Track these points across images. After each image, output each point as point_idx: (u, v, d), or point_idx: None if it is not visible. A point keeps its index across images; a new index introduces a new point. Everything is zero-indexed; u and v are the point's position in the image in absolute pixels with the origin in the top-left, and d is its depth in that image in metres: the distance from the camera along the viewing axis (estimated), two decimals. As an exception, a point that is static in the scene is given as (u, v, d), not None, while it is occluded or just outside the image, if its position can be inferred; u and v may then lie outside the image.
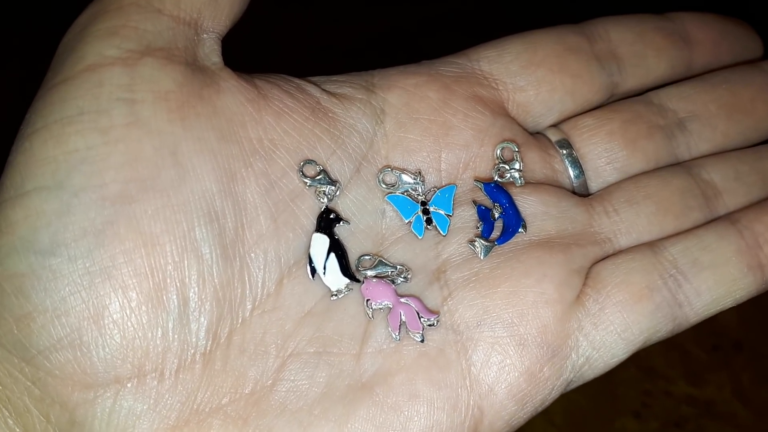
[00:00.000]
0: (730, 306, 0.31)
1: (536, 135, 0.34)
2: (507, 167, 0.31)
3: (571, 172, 0.33)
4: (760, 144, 0.35)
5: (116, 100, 0.27)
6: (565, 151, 0.33)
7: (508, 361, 0.29)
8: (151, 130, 0.27)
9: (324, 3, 0.79)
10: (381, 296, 0.29)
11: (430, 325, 0.29)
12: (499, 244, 0.30)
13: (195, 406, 0.27)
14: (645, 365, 0.61)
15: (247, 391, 0.27)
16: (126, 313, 0.26)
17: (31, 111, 0.27)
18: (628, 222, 0.32)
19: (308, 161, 0.29)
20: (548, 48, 0.34)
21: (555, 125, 0.35)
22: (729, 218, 0.32)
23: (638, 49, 0.35)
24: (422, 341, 0.29)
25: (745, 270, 0.31)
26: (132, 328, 0.26)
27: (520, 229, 0.30)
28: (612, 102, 0.35)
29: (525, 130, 0.34)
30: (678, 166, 0.34)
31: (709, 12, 0.37)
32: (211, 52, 0.29)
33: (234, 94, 0.29)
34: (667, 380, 0.61)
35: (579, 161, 0.33)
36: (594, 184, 0.34)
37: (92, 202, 0.26)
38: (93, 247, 0.25)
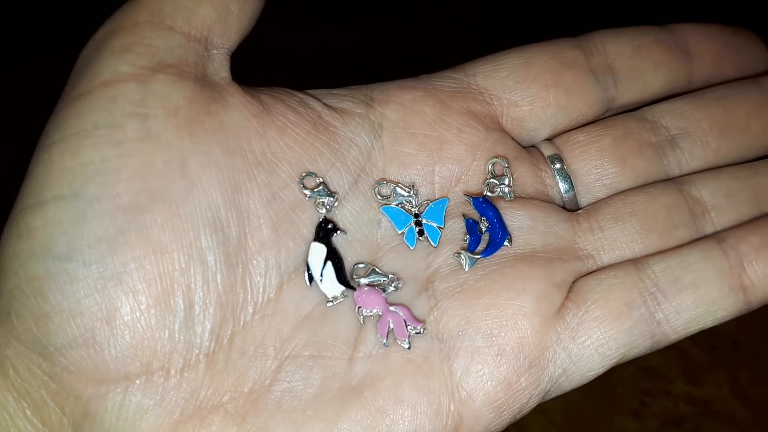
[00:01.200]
0: (711, 325, 0.31)
1: (530, 149, 0.35)
2: (497, 182, 0.32)
3: (561, 187, 0.34)
4: (759, 159, 0.35)
5: (129, 115, 0.28)
6: (556, 166, 0.34)
7: (486, 371, 0.30)
8: (161, 145, 0.28)
9: (323, 3, 0.79)
10: (372, 304, 0.30)
11: (416, 333, 0.30)
12: (483, 256, 0.31)
13: (198, 403, 0.28)
14: (643, 365, 0.61)
15: (246, 390, 0.29)
16: (136, 315, 0.27)
17: (50, 123, 0.29)
18: (612, 239, 0.32)
19: (308, 174, 0.30)
20: (543, 63, 0.34)
21: (549, 139, 0.35)
22: (715, 237, 0.32)
23: (636, 63, 0.35)
24: (409, 348, 0.30)
25: (727, 291, 0.31)
26: (141, 329, 0.27)
27: (505, 243, 0.31)
28: (606, 117, 0.35)
29: (518, 144, 0.34)
30: (669, 181, 0.34)
31: (712, 23, 0.37)
32: (220, 67, 0.30)
33: (240, 109, 0.30)
34: (665, 379, 0.61)
35: (569, 176, 0.34)
36: (584, 200, 0.34)
37: (106, 212, 0.27)
38: (106, 254, 0.27)
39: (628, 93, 0.35)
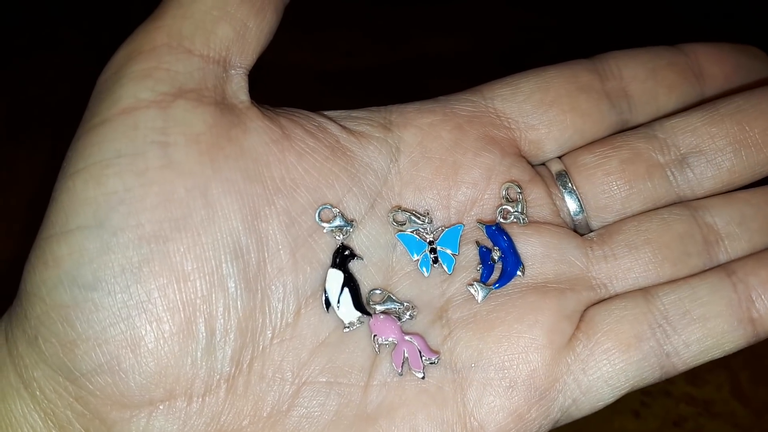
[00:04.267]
0: (719, 356, 0.31)
1: (539, 167, 0.35)
2: (510, 208, 0.32)
3: (570, 210, 0.34)
4: None
5: (151, 143, 0.28)
6: (564, 190, 0.34)
7: (497, 402, 0.30)
8: (183, 172, 0.28)
9: (321, 3, 0.78)
10: (387, 333, 0.31)
11: (431, 363, 0.31)
12: (495, 288, 0.31)
13: (218, 427, 0.29)
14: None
15: (265, 415, 0.30)
16: (160, 343, 0.28)
17: (72, 150, 0.29)
18: (626, 268, 0.33)
19: (324, 206, 0.31)
20: (560, 87, 0.34)
21: (559, 157, 0.35)
22: (725, 269, 0.32)
23: (650, 87, 0.35)
24: (423, 378, 0.30)
25: (735, 324, 0.31)
26: (165, 357, 0.28)
27: (518, 272, 0.32)
28: (616, 134, 0.35)
29: (533, 166, 0.34)
30: (682, 206, 0.34)
31: (724, 42, 0.37)
32: (238, 89, 0.31)
33: (260, 135, 0.30)
34: (666, 380, 0.61)
35: (579, 199, 0.34)
36: (594, 222, 0.34)
37: (130, 242, 0.27)
38: (131, 283, 0.27)
39: (642, 116, 0.35)
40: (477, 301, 0.31)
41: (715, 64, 0.36)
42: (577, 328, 0.32)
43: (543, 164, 0.35)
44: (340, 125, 0.32)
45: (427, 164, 0.33)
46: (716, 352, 0.31)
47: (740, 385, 0.60)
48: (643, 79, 0.35)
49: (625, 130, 0.36)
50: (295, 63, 0.73)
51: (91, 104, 0.29)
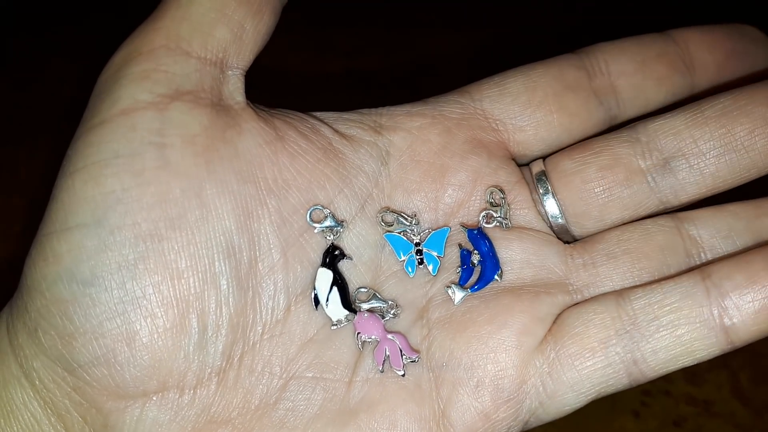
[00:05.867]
0: (691, 364, 0.30)
1: (523, 168, 0.35)
2: (493, 213, 0.33)
3: (549, 213, 0.34)
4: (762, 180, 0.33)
5: (148, 144, 0.29)
6: (544, 194, 0.34)
7: (465, 401, 0.31)
8: (178, 173, 0.29)
9: (321, 3, 0.79)
10: (370, 330, 0.31)
11: (411, 362, 0.31)
12: (472, 291, 0.32)
13: (209, 418, 0.30)
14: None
15: (253, 407, 0.31)
16: (154, 338, 0.29)
17: (72, 149, 0.30)
18: (603, 276, 0.33)
19: (315, 207, 0.31)
20: (547, 87, 0.34)
21: (543, 158, 0.35)
22: (701, 272, 0.31)
23: (638, 81, 0.35)
24: (403, 375, 0.31)
25: (706, 332, 0.30)
26: (159, 351, 0.29)
27: (495, 277, 0.32)
28: (598, 136, 0.35)
29: (520, 168, 0.35)
30: (668, 217, 0.33)
31: (716, 24, 0.35)
32: (234, 90, 0.31)
33: (254, 136, 0.31)
34: (665, 379, 0.60)
35: (558, 204, 0.34)
36: (574, 228, 0.34)
37: (126, 240, 0.28)
38: (126, 280, 0.28)
39: (630, 110, 0.35)
40: (453, 303, 0.32)
41: (706, 51, 0.35)
42: (549, 330, 0.32)
43: (527, 165, 0.35)
44: (332, 128, 0.33)
45: (416, 168, 0.33)
46: (686, 360, 0.30)
47: (740, 384, 0.60)
48: (631, 73, 0.35)
49: (614, 126, 0.35)
50: (295, 63, 0.74)
51: (91, 104, 0.30)
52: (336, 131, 0.33)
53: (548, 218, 0.34)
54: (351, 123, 0.34)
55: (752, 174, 0.33)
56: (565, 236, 0.34)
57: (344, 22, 0.82)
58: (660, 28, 0.36)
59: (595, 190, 0.33)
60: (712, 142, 0.33)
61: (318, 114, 0.34)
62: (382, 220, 0.33)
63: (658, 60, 0.35)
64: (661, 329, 0.30)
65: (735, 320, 0.30)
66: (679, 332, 0.30)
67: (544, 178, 0.34)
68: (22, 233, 0.62)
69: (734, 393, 0.60)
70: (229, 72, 0.31)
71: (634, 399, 0.59)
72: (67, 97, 0.75)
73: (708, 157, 0.33)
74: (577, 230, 0.34)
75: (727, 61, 0.35)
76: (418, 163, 0.33)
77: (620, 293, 0.32)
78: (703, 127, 0.33)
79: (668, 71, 0.35)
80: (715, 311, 0.30)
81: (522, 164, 0.36)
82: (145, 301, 0.29)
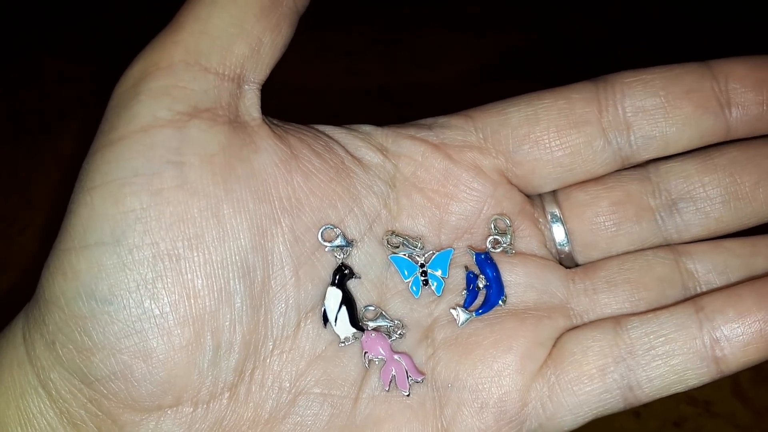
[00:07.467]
0: (682, 391, 0.32)
1: (535, 197, 0.36)
2: (499, 239, 0.34)
3: (556, 240, 0.35)
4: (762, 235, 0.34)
5: (166, 163, 0.29)
6: (554, 224, 0.35)
7: (469, 422, 0.32)
8: (197, 193, 0.29)
9: (321, 4, 0.79)
10: (377, 350, 0.32)
11: (416, 382, 0.32)
12: (476, 315, 0.33)
13: (221, 430, 0.31)
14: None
15: (263, 421, 0.32)
16: (170, 355, 0.29)
17: (89, 163, 0.30)
18: (603, 303, 0.34)
19: (327, 226, 0.32)
20: (550, 121, 0.33)
21: (554, 190, 0.35)
22: (695, 303, 0.32)
23: (658, 120, 0.33)
24: (408, 395, 0.32)
25: (698, 362, 0.31)
26: (174, 367, 0.30)
27: (499, 302, 0.33)
28: (612, 174, 0.35)
29: (524, 195, 0.35)
30: (668, 249, 0.34)
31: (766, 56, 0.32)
32: (251, 105, 0.31)
33: (270, 155, 0.31)
34: None
35: (566, 232, 0.35)
36: (580, 257, 0.35)
37: (145, 259, 0.29)
38: (144, 299, 0.29)
39: (645, 153, 0.34)
40: (458, 325, 0.33)
41: (750, 88, 0.32)
42: (550, 354, 0.33)
43: (539, 196, 0.36)
44: (345, 147, 0.33)
45: (421, 194, 0.34)
46: (679, 387, 0.32)
47: (740, 385, 0.61)
48: (650, 111, 0.33)
49: (630, 167, 0.35)
50: (294, 63, 0.74)
51: (109, 117, 0.30)
52: (348, 151, 0.33)
53: (555, 245, 0.35)
54: (359, 143, 0.34)
55: (752, 222, 0.34)
56: (567, 263, 0.35)
57: (344, 22, 0.82)
58: (702, 50, 0.34)
59: (606, 224, 0.35)
60: (719, 189, 0.34)
61: (328, 130, 0.34)
62: (388, 242, 0.33)
63: (685, 97, 0.32)
64: (656, 359, 0.32)
65: (726, 352, 0.31)
66: (673, 362, 0.32)
67: (555, 209, 0.35)
68: (20, 233, 0.62)
69: (734, 393, 0.60)
70: (246, 86, 0.31)
71: (634, 399, 0.60)
72: (67, 97, 0.74)
73: (714, 202, 0.34)
74: (581, 259, 0.36)
75: None
76: (422, 191, 0.34)
77: (618, 320, 0.33)
78: (712, 173, 0.34)
79: (697, 111, 0.32)
80: (708, 342, 0.31)
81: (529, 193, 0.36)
82: (162, 320, 0.29)
